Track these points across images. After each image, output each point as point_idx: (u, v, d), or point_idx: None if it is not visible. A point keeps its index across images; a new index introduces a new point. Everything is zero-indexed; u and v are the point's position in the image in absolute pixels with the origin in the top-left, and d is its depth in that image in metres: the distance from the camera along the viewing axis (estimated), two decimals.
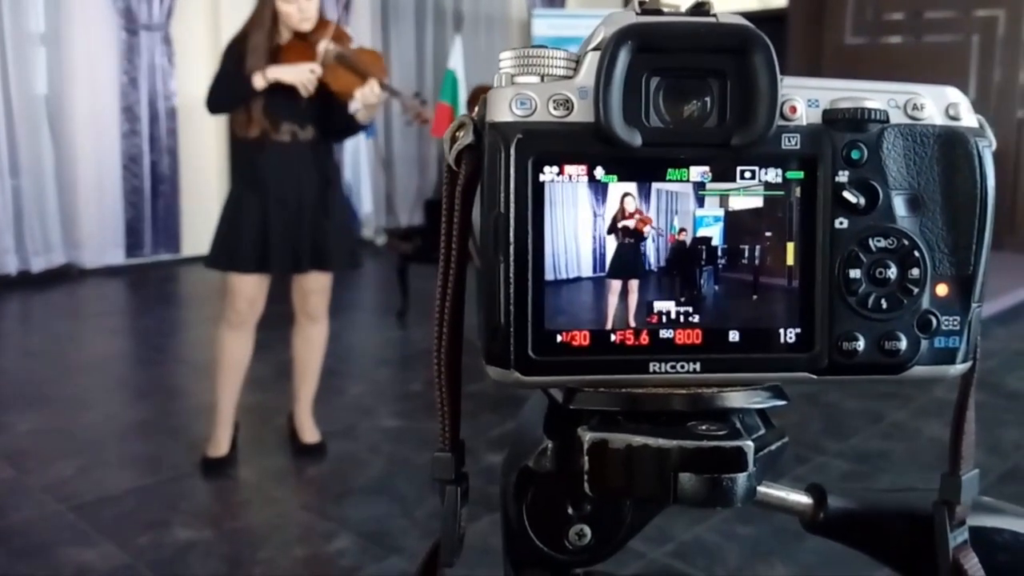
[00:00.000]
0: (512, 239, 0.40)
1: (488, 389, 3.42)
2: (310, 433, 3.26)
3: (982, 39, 6.97)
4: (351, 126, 3.09)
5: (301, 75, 2.88)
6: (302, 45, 2.95)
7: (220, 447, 3.11)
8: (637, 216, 0.41)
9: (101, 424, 3.69)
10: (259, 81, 2.86)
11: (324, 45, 2.94)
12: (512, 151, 0.39)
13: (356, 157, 7.68)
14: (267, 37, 2.91)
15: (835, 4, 7.53)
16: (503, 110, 0.40)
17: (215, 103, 3.00)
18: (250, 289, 3.02)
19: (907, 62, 6.99)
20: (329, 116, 3.02)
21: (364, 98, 2.94)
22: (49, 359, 4.64)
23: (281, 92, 2.90)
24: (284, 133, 2.95)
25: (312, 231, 3.01)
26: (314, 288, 3.12)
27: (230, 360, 3.08)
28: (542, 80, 0.41)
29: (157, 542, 2.66)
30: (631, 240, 0.41)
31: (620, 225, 0.41)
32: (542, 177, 0.40)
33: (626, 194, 0.41)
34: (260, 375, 3.74)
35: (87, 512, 2.81)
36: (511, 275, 0.40)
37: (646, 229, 0.41)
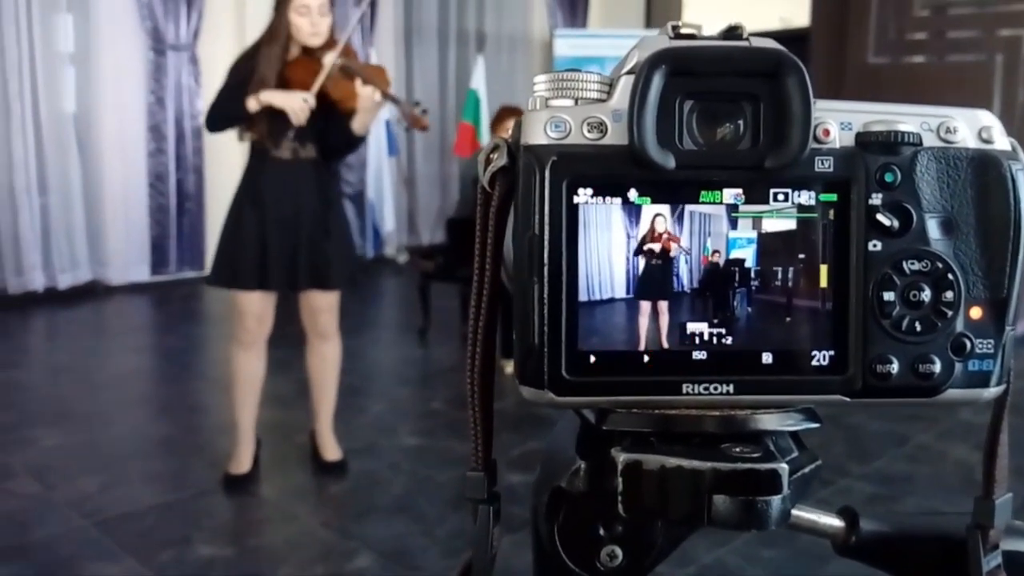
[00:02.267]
0: (546, 260, 0.40)
1: (509, 408, 3.42)
2: (331, 450, 3.26)
3: (1006, 59, 6.93)
4: (350, 141, 3.05)
5: (294, 102, 2.87)
6: (308, 61, 2.95)
7: (242, 464, 3.13)
8: (666, 236, 0.41)
9: (125, 440, 3.71)
10: (252, 104, 2.87)
11: (330, 57, 2.94)
12: (547, 173, 0.40)
13: (379, 175, 7.73)
14: (281, 50, 2.92)
15: (857, 23, 7.51)
16: (538, 133, 0.40)
17: (212, 121, 3.05)
18: (257, 307, 3.02)
19: (930, 82, 6.94)
20: (329, 129, 3.00)
21: (362, 100, 2.92)
22: (74, 375, 4.68)
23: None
24: (285, 150, 2.95)
25: (310, 250, 3.00)
26: (322, 307, 3.11)
27: (245, 378, 3.09)
28: (576, 103, 0.41)
29: (179, 558, 2.67)
30: (659, 261, 0.41)
31: (647, 246, 0.41)
32: (576, 199, 0.40)
33: (657, 215, 0.41)
34: (281, 392, 3.76)
35: (111, 528, 2.83)
36: (545, 296, 0.40)
37: (673, 248, 0.41)
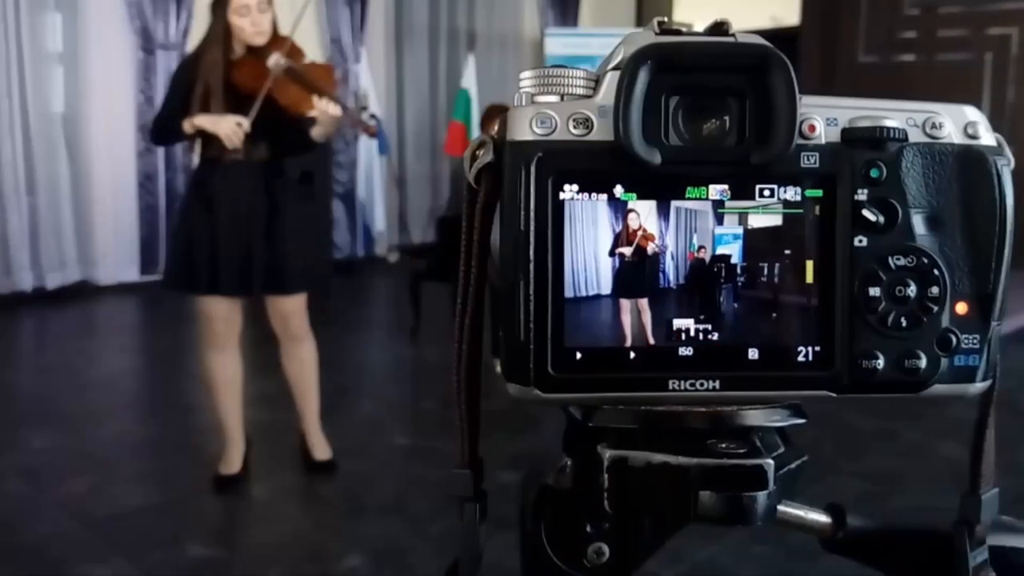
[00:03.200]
0: (532, 257, 0.40)
1: (500, 406, 3.39)
2: (321, 449, 3.25)
3: (995, 57, 6.96)
4: (304, 143, 2.96)
5: (226, 127, 2.80)
6: (254, 61, 2.88)
7: (232, 465, 3.11)
8: (640, 233, 0.41)
9: (115, 441, 3.69)
10: (187, 127, 2.83)
11: (274, 59, 2.85)
12: (532, 169, 0.40)
13: (369, 175, 7.71)
14: (222, 53, 2.85)
15: (848, 22, 7.53)
16: (523, 129, 0.40)
17: (154, 138, 3.01)
18: (222, 309, 2.98)
19: (920, 80, 6.98)
20: (280, 132, 2.92)
21: (322, 115, 2.84)
22: (63, 376, 4.66)
23: (234, 111, 2.83)
24: (236, 151, 2.87)
25: (265, 253, 2.92)
26: (290, 311, 3.06)
27: (223, 381, 3.06)
28: (562, 99, 0.41)
29: (169, 559, 2.65)
30: (635, 259, 0.41)
31: (621, 245, 0.41)
32: (562, 195, 0.40)
33: (630, 211, 0.41)
34: (271, 392, 3.74)
35: (100, 529, 2.81)
36: (531, 292, 0.40)
37: (649, 247, 0.41)
